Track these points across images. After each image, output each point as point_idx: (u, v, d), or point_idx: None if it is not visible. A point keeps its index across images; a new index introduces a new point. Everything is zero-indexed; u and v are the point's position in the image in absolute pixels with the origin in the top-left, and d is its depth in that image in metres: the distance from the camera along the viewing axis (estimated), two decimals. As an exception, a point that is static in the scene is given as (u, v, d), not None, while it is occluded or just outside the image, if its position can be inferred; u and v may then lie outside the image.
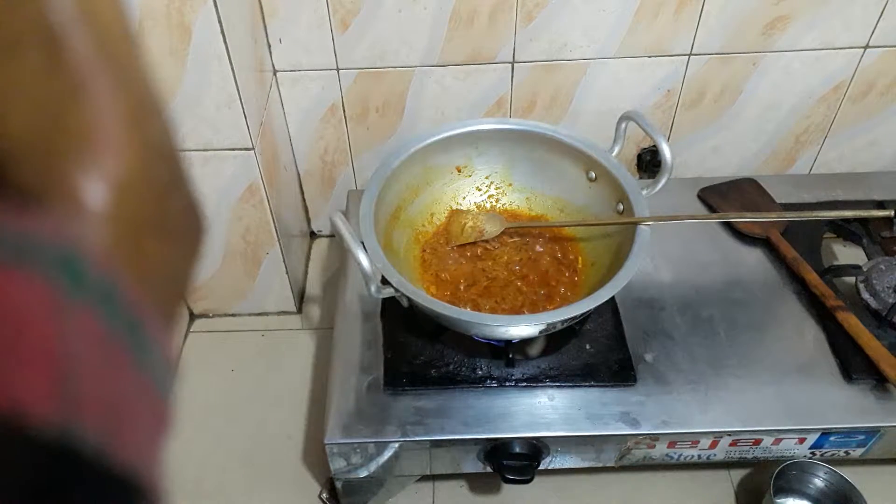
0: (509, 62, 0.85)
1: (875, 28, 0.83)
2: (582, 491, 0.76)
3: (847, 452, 0.72)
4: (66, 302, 0.16)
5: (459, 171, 0.80)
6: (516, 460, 0.68)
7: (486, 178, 0.82)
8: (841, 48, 0.85)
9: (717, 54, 0.85)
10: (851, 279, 0.79)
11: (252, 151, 0.74)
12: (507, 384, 0.70)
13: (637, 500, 0.77)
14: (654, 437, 0.68)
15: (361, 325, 0.76)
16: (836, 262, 0.83)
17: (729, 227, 0.86)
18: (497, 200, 0.83)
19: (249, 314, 0.95)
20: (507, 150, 0.79)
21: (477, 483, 0.79)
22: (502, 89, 0.88)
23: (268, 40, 0.82)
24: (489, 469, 0.70)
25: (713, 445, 0.69)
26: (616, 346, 0.73)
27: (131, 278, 0.19)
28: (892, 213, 0.84)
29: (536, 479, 0.68)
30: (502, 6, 0.79)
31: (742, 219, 0.84)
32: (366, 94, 0.88)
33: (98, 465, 0.15)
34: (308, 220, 1.04)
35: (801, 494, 0.71)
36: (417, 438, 0.66)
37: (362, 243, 0.64)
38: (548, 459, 0.70)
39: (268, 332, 0.94)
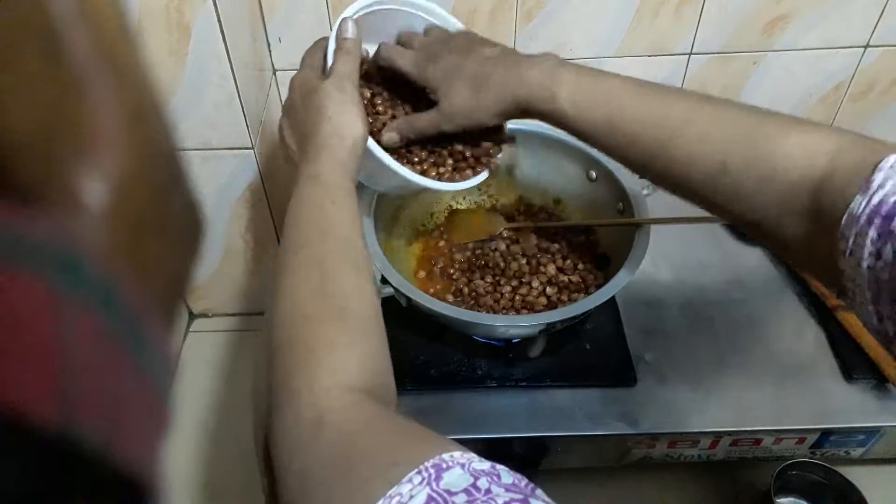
0: (509, 62, 0.85)
1: (875, 27, 0.83)
2: (582, 491, 0.76)
3: (847, 452, 0.72)
4: (65, 301, 0.16)
5: (459, 170, 0.80)
6: (516, 460, 0.68)
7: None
8: (842, 47, 0.85)
9: (717, 53, 0.85)
10: (852, 279, 0.79)
11: (252, 151, 0.74)
12: (507, 384, 0.70)
13: (637, 500, 0.76)
14: (654, 437, 0.68)
15: (361, 325, 0.76)
16: (836, 262, 0.83)
17: (729, 226, 0.86)
18: (497, 200, 0.83)
19: (249, 313, 0.95)
20: (507, 150, 0.79)
21: (477, 483, 0.78)
22: (502, 89, 0.88)
23: (267, 39, 0.82)
24: (489, 469, 0.70)
25: (713, 445, 0.69)
26: (616, 345, 0.73)
27: (130, 278, 0.19)
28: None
29: (536, 479, 0.68)
30: (502, 5, 0.79)
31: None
32: (366, 94, 0.88)
33: (97, 464, 0.15)
34: (308, 220, 1.04)
35: (802, 494, 0.71)
36: (417, 438, 0.66)
37: (362, 243, 0.64)
38: (548, 459, 0.70)
39: (268, 331, 0.94)
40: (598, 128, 0.52)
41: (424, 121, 0.59)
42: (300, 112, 0.55)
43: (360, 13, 0.59)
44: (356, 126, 0.53)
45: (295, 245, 0.47)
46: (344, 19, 0.57)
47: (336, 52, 0.56)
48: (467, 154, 0.63)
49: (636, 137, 0.51)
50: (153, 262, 0.21)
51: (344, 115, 0.52)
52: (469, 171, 0.64)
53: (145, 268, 0.21)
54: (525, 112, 0.56)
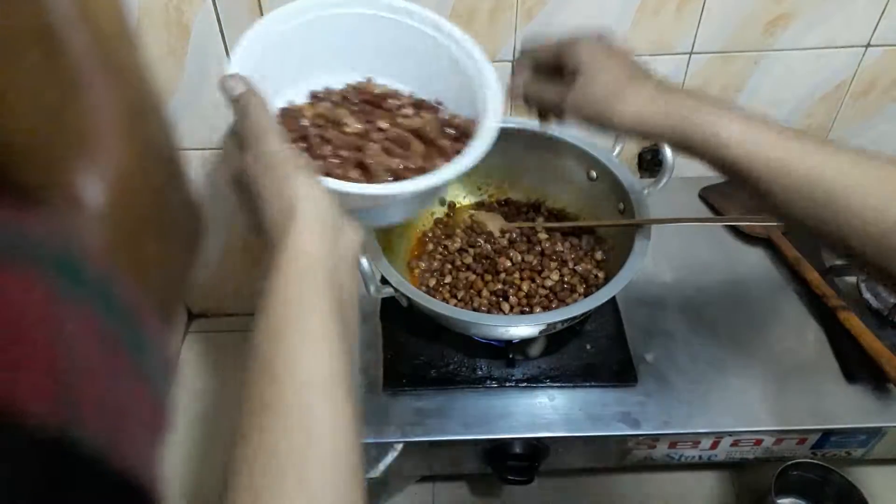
0: (510, 61, 0.85)
1: (877, 26, 0.83)
2: (582, 491, 0.76)
3: (848, 453, 0.72)
4: (64, 301, 0.16)
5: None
6: (516, 461, 0.68)
7: (487, 176, 0.81)
8: (843, 47, 0.85)
9: (718, 53, 0.85)
10: (853, 279, 0.79)
11: (252, 151, 0.74)
12: (508, 384, 0.70)
13: (638, 501, 0.77)
14: (655, 438, 0.67)
15: (361, 326, 0.76)
16: (837, 262, 0.83)
17: (730, 226, 0.86)
18: (497, 200, 0.83)
19: (248, 314, 0.94)
20: (508, 149, 0.79)
21: (477, 483, 0.79)
22: (502, 88, 0.88)
23: (268, 39, 0.82)
24: (489, 470, 0.70)
25: (714, 446, 0.69)
26: (617, 346, 0.72)
27: (129, 277, 0.19)
28: (894, 212, 0.84)
29: (536, 480, 0.68)
30: (502, 5, 0.79)
31: (743, 221, 0.84)
32: (366, 94, 0.88)
33: (96, 464, 0.15)
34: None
35: (803, 495, 0.71)
36: (417, 439, 0.66)
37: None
38: (548, 460, 0.70)
39: (268, 331, 0.94)
40: (774, 173, 0.48)
41: (553, 90, 0.54)
42: (254, 216, 0.42)
43: (249, 53, 0.46)
44: (317, 197, 0.39)
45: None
46: (223, 77, 0.43)
47: (239, 120, 0.42)
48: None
49: (811, 186, 0.48)
50: (152, 262, 0.21)
51: (307, 198, 0.39)
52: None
53: (144, 268, 0.21)
54: (683, 142, 0.51)
